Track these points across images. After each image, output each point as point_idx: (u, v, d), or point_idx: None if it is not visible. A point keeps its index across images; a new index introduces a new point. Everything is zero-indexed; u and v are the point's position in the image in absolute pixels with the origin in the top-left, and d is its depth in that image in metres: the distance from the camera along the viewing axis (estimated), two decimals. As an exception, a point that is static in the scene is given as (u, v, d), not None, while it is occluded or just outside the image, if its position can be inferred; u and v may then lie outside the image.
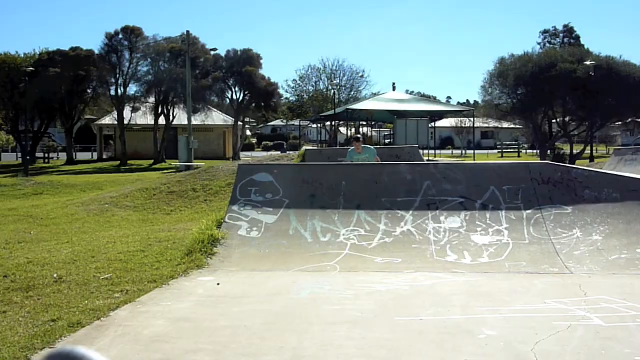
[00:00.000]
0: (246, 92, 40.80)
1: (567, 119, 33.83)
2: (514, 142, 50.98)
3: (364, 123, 47.23)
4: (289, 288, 5.61)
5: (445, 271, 6.28)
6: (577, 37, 64.12)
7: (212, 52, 38.65)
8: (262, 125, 79.26)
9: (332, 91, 49.87)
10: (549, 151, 32.44)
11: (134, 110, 38.42)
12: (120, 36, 37.29)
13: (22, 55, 39.70)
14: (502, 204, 7.48)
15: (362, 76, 53.49)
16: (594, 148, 37.67)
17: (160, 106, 37.56)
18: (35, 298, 5.36)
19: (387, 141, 48.92)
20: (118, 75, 37.17)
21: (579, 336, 4.08)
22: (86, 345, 3.95)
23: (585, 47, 47.03)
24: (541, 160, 26.41)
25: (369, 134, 51.85)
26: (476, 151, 40.64)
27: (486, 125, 48.36)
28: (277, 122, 71.02)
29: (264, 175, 8.19)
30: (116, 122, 38.62)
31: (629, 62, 32.24)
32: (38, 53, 39.50)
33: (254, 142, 64.17)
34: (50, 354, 0.98)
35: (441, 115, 43.60)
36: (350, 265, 6.51)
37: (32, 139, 38.78)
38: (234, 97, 41.41)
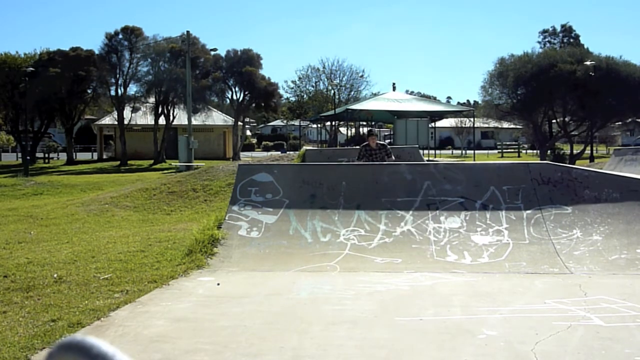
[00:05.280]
0: (246, 92, 40.80)
1: (567, 119, 33.84)
2: (514, 142, 51.02)
3: (364, 123, 47.24)
4: (289, 288, 5.61)
5: (445, 271, 6.28)
6: (577, 37, 64.20)
7: (212, 52, 38.65)
8: (262, 125, 79.27)
9: (332, 91, 49.89)
10: (549, 151, 32.46)
11: (134, 110, 38.42)
12: (120, 36, 37.30)
13: (22, 55, 39.71)
14: (502, 204, 7.48)
15: (362, 76, 53.50)
16: (594, 148, 37.67)
17: (160, 106, 37.56)
18: (35, 298, 5.36)
19: (387, 141, 48.90)
20: (118, 75, 37.18)
21: (579, 336, 4.08)
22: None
23: (585, 47, 47.11)
24: (541, 160, 26.41)
25: (369, 133, 51.71)
26: (476, 151, 40.66)
27: (486, 125, 48.35)
28: (277, 122, 71.02)
29: (264, 175, 8.19)
30: (116, 122, 38.62)
31: (629, 62, 32.29)
32: (38, 53, 39.51)
33: (254, 142, 64.17)
34: (60, 344, 0.99)
35: (441, 115, 43.60)
36: (350, 265, 6.51)
37: (32, 139, 38.80)
38: (234, 97, 41.42)
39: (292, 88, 55.59)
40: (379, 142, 10.32)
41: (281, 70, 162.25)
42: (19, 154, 41.22)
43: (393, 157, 10.20)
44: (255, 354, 3.84)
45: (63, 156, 43.11)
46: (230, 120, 43.04)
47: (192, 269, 6.35)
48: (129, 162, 36.25)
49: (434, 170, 8.13)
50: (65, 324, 4.48)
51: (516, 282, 5.78)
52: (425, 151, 32.34)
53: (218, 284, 5.78)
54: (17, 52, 41.75)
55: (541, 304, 4.97)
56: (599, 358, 3.70)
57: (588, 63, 29.58)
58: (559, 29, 64.70)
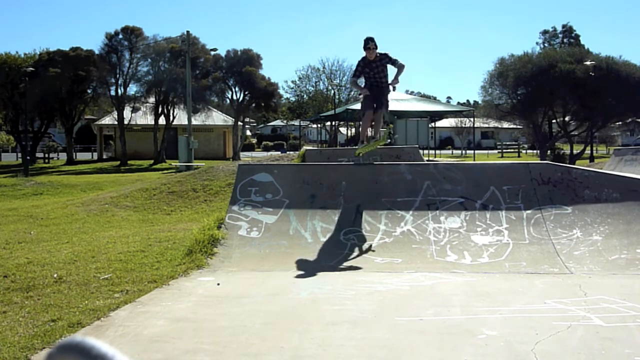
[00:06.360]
0: (246, 92, 40.82)
1: (567, 119, 33.86)
2: (514, 142, 51.05)
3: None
4: (289, 288, 5.61)
5: (445, 271, 6.27)
6: (577, 37, 64.29)
7: (212, 52, 38.69)
8: (262, 125, 79.30)
9: (332, 91, 49.89)
10: (549, 151, 32.47)
11: (134, 110, 38.47)
12: (120, 36, 37.35)
13: (22, 55, 39.76)
14: (502, 204, 7.47)
15: (362, 76, 53.41)
16: (594, 148, 37.67)
17: (160, 106, 37.58)
18: (35, 298, 5.36)
19: (387, 141, 48.86)
20: (118, 75, 37.20)
21: (579, 336, 4.08)
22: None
23: (585, 47, 47.14)
24: (541, 160, 26.41)
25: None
26: (476, 151, 40.69)
27: (486, 125, 48.39)
28: (277, 122, 71.04)
29: (264, 175, 8.19)
30: (116, 122, 38.65)
31: (629, 62, 32.32)
32: (38, 53, 39.55)
33: (254, 142, 64.19)
34: (60, 345, 1.00)
35: (441, 115, 43.63)
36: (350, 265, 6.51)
37: (32, 139, 38.82)
38: (234, 97, 41.45)
39: (292, 88, 55.69)
40: (379, 52, 8.15)
41: (281, 70, 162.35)
42: (19, 154, 41.25)
43: (401, 62, 8.24)
44: (255, 354, 3.84)
45: (63, 156, 43.14)
46: (230, 120, 43.05)
47: (192, 269, 6.35)
48: (129, 162, 36.26)
49: (434, 170, 8.12)
50: (65, 324, 4.48)
51: (516, 282, 5.78)
52: (425, 151, 32.35)
53: (218, 284, 5.78)
54: (17, 52, 41.85)
55: (541, 304, 4.97)
56: (599, 358, 3.70)
57: (588, 63, 29.58)
58: (559, 29, 64.82)
